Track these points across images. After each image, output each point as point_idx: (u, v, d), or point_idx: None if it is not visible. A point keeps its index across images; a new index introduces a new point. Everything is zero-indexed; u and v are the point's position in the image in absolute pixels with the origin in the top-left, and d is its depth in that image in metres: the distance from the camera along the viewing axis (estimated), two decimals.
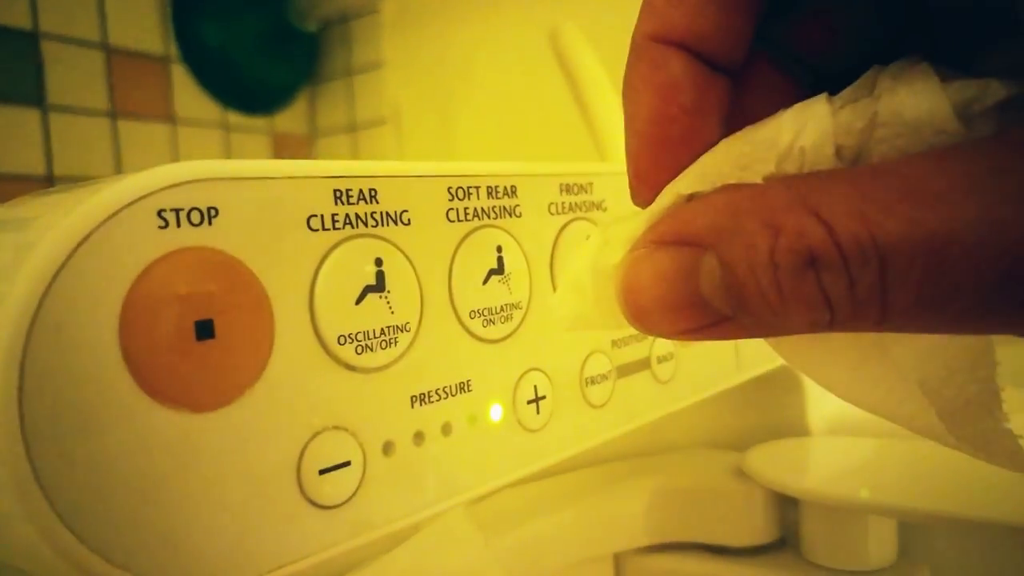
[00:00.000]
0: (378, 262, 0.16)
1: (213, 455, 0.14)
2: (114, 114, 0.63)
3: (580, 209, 0.21)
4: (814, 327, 0.11)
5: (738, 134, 0.13)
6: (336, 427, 0.15)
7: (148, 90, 0.66)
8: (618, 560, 0.28)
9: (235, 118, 0.72)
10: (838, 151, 0.12)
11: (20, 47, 0.59)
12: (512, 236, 0.19)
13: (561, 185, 0.20)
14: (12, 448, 0.12)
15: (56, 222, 0.13)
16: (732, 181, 0.12)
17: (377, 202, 0.16)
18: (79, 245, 0.12)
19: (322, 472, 0.15)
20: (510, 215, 0.19)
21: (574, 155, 0.41)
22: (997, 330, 0.10)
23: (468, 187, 0.18)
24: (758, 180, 0.12)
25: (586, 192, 0.21)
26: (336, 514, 0.15)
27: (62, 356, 0.12)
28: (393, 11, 0.72)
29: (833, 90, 0.13)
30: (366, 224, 0.16)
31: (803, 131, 0.12)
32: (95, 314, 0.12)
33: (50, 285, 0.12)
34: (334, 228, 0.16)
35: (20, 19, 0.59)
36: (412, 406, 0.17)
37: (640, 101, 0.14)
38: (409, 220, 0.17)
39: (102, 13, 0.64)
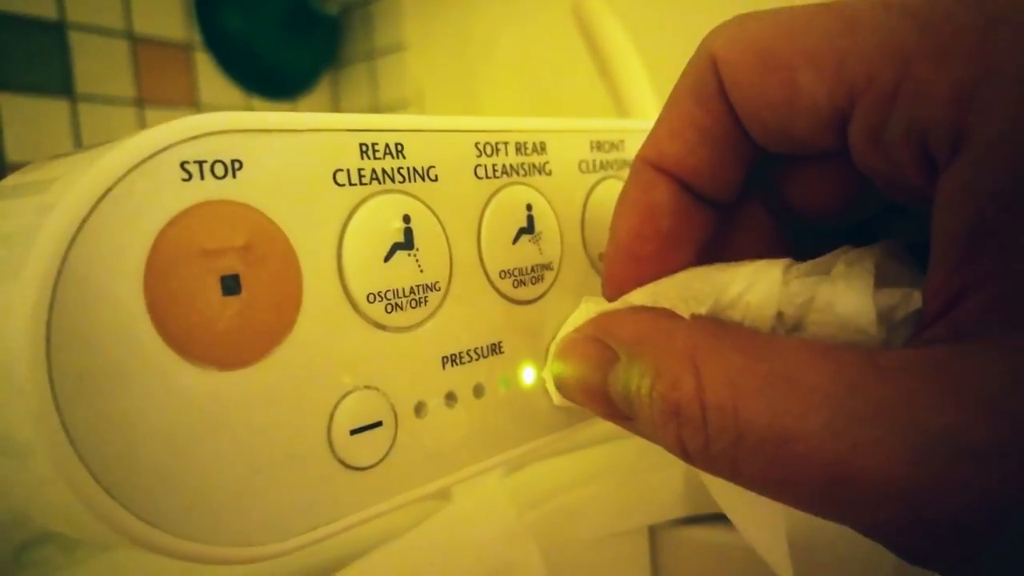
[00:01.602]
0: (406, 219, 0.16)
1: (242, 413, 0.13)
2: (141, 102, 0.63)
3: (611, 167, 0.20)
4: (681, 459, 0.12)
5: (702, 268, 0.14)
6: (367, 387, 0.15)
7: (173, 77, 0.66)
8: (653, 532, 0.27)
9: (259, 103, 0.72)
10: (779, 316, 0.13)
11: (48, 38, 0.60)
12: (542, 194, 0.18)
13: (592, 142, 0.20)
14: (42, 404, 0.12)
15: (78, 177, 0.12)
16: (671, 307, 0.14)
17: (404, 157, 0.16)
18: (102, 198, 0.12)
19: (353, 432, 0.15)
20: (539, 172, 0.18)
21: None
22: (835, 520, 0.11)
23: (496, 143, 0.18)
24: (686, 316, 0.14)
25: (617, 150, 0.20)
26: (368, 476, 0.15)
27: (88, 311, 0.12)
28: None
29: (820, 247, 0.14)
30: (393, 180, 0.16)
31: (753, 288, 0.13)
32: (120, 268, 0.12)
33: (74, 238, 0.12)
34: (360, 183, 0.15)
35: (47, 10, 0.60)
36: (443, 367, 0.16)
37: (624, 216, 0.15)
38: (436, 176, 0.16)
39: (126, 2, 0.64)
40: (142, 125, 0.62)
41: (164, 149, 0.13)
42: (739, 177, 0.15)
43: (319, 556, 0.25)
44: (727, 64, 0.13)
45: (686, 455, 0.12)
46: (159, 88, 0.64)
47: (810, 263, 0.13)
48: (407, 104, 0.71)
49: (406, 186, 0.16)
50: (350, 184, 0.15)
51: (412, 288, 0.16)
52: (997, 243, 0.10)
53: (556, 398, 0.16)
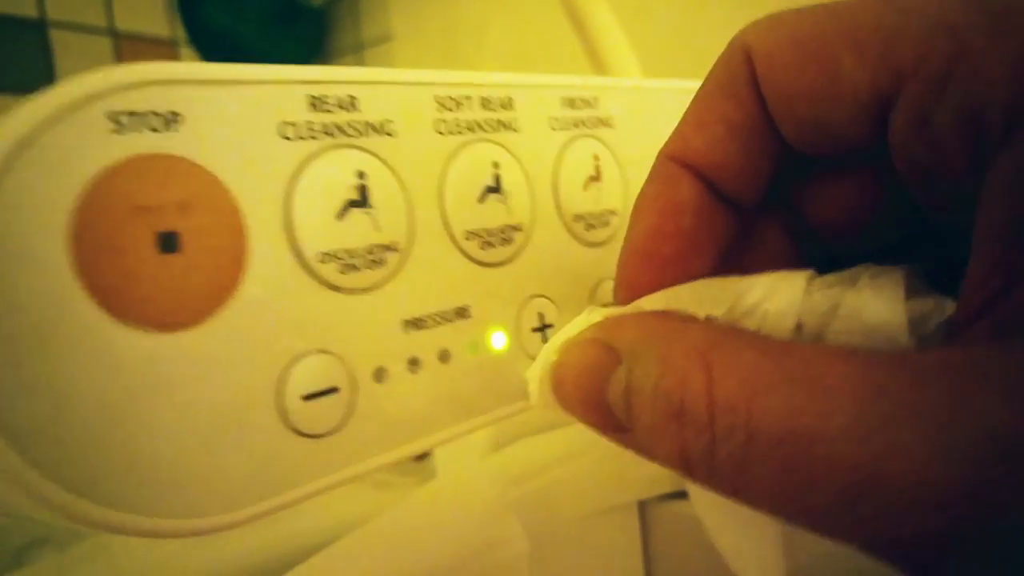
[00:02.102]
0: (360, 175, 0.15)
1: (183, 377, 0.13)
2: None
3: (585, 125, 0.19)
4: (680, 472, 0.11)
5: (719, 278, 0.13)
6: (321, 351, 0.14)
7: None
8: (643, 507, 0.26)
9: None
10: (799, 326, 0.12)
11: (28, 37, 0.59)
12: (510, 152, 0.18)
13: (563, 98, 0.19)
14: None
15: None
16: (685, 311, 0.13)
17: (357, 110, 0.15)
18: (19, 149, 0.11)
19: (306, 398, 0.14)
20: (507, 129, 0.18)
21: None
22: (847, 540, 0.10)
23: (459, 97, 0.17)
24: (700, 317, 0.13)
25: (591, 107, 0.19)
26: (324, 443, 0.14)
27: (8, 271, 0.11)
28: None
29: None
30: (346, 134, 0.15)
31: (773, 296, 0.12)
32: (41, 224, 0.11)
33: None
34: (310, 137, 0.14)
35: (27, 8, 0.59)
36: (405, 331, 0.15)
37: (644, 213, 0.14)
38: (394, 131, 0.16)
39: None
40: None
41: (89, 99, 0.12)
42: (765, 177, 0.14)
43: (300, 540, 0.24)
44: (762, 55, 0.13)
45: (686, 463, 0.11)
46: None
47: (834, 275, 0.13)
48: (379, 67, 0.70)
49: (360, 140, 0.15)
50: (299, 138, 0.14)
51: (369, 248, 0.15)
52: None
53: (534, 399, 0.14)
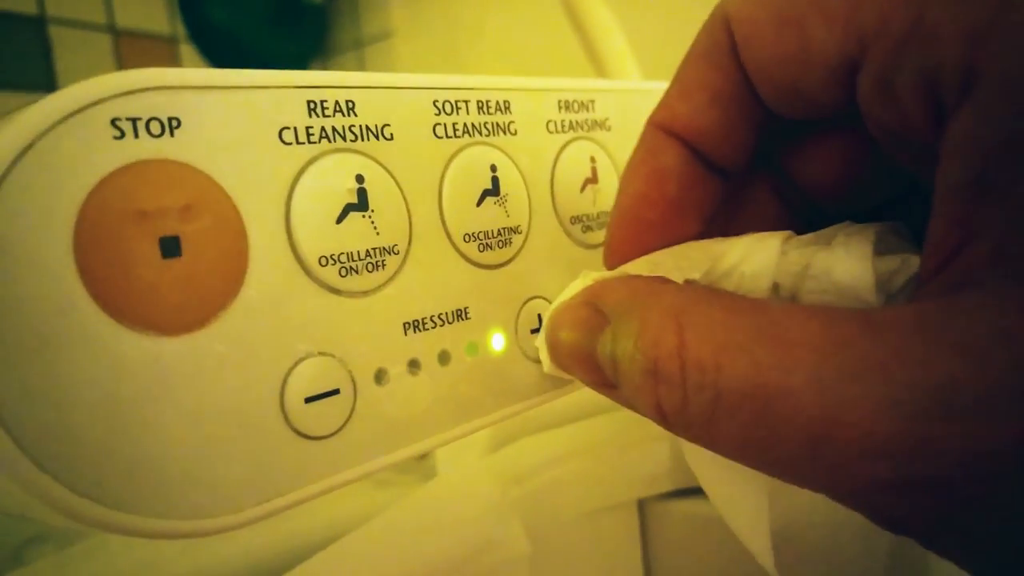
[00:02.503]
0: (359, 179, 0.15)
1: (186, 381, 0.13)
2: None
3: (582, 128, 0.19)
4: (660, 425, 0.12)
5: (700, 241, 0.14)
6: (322, 353, 0.14)
7: None
8: (642, 506, 0.27)
9: None
10: (775, 287, 0.13)
11: (28, 34, 0.59)
12: (507, 155, 0.18)
13: (560, 101, 0.19)
14: None
15: None
16: (666, 275, 0.13)
17: (355, 115, 0.15)
18: (21, 155, 0.11)
19: (308, 400, 0.14)
20: (504, 132, 0.18)
21: None
22: (813, 488, 0.11)
23: (456, 101, 0.17)
24: (679, 280, 0.13)
25: (587, 110, 0.20)
26: (326, 445, 0.14)
27: (12, 275, 0.11)
28: None
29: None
30: (344, 138, 0.15)
31: (749, 258, 0.13)
32: (46, 229, 0.12)
33: None
34: (309, 142, 0.14)
35: (26, 5, 0.59)
36: (405, 333, 0.16)
37: (631, 180, 0.15)
38: (392, 135, 0.16)
39: None
40: None
41: (91, 105, 0.12)
42: (749, 143, 0.14)
43: (299, 539, 0.25)
44: (740, 22, 0.13)
45: (663, 418, 0.12)
46: None
47: (810, 235, 0.13)
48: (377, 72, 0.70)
49: (358, 145, 0.15)
50: (297, 143, 0.14)
51: (368, 251, 0.15)
52: (1000, 192, 0.10)
53: (546, 365, 0.15)
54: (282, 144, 0.14)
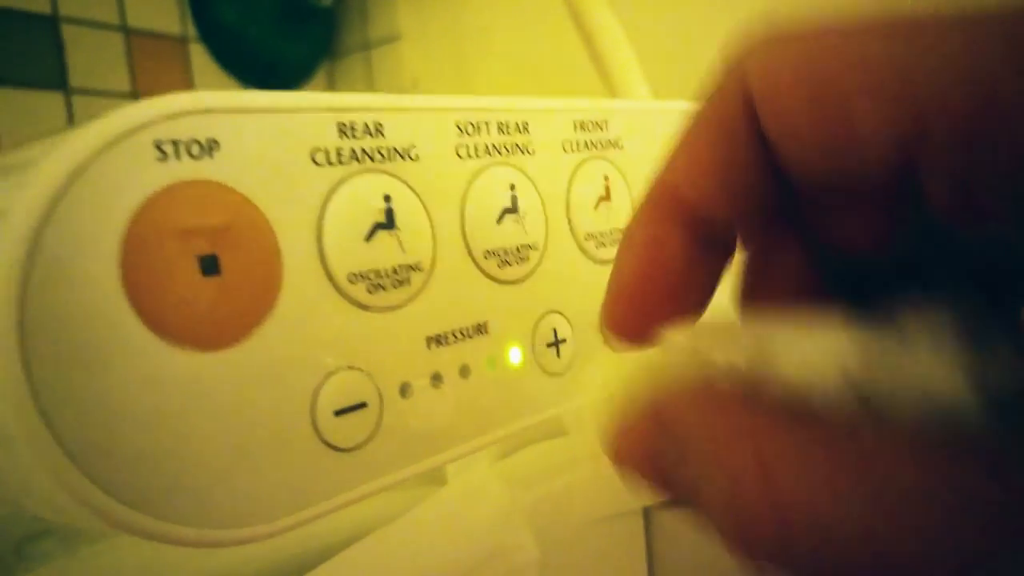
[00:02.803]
0: (387, 198, 0.16)
1: (223, 394, 0.13)
2: (136, 95, 0.63)
3: (596, 147, 0.20)
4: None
5: (740, 320, 0.12)
6: (351, 367, 0.15)
7: (168, 70, 0.66)
8: (647, 514, 0.27)
9: None
10: (842, 390, 0.11)
11: (41, 32, 0.60)
12: (525, 174, 0.18)
13: (575, 122, 0.20)
14: (18, 389, 0.11)
15: (48, 157, 0.12)
16: (707, 356, 0.12)
17: (383, 136, 0.16)
18: (74, 178, 0.12)
19: (338, 413, 0.15)
20: (522, 152, 0.18)
21: None
22: None
23: (477, 122, 0.17)
24: (721, 362, 0.11)
25: (601, 129, 0.20)
26: (353, 456, 0.15)
27: (62, 291, 0.12)
28: None
29: (859, 282, 0.12)
30: (372, 159, 0.16)
31: (803, 350, 0.11)
32: (95, 248, 0.12)
33: (47, 216, 0.12)
34: (340, 163, 0.15)
35: (40, 4, 0.60)
36: (428, 347, 0.16)
37: (631, 255, 0.13)
38: (417, 156, 0.16)
39: None
40: None
41: (138, 128, 0.13)
42: (769, 215, 0.13)
43: (311, 544, 0.25)
44: (763, 89, 0.11)
45: (742, 547, 0.10)
46: (154, 81, 0.64)
47: (875, 329, 0.11)
48: (403, 93, 0.70)
49: (386, 165, 0.16)
50: (329, 164, 0.15)
51: (395, 268, 0.16)
52: None
53: (588, 450, 0.14)
54: (314, 165, 0.15)
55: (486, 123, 0.18)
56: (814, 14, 0.11)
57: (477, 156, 0.17)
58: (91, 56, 0.61)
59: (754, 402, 0.11)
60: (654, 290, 0.13)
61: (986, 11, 0.09)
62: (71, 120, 0.58)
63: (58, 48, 0.59)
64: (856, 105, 0.10)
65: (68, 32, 0.60)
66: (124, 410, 0.12)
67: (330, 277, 0.15)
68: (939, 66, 0.09)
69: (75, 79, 0.59)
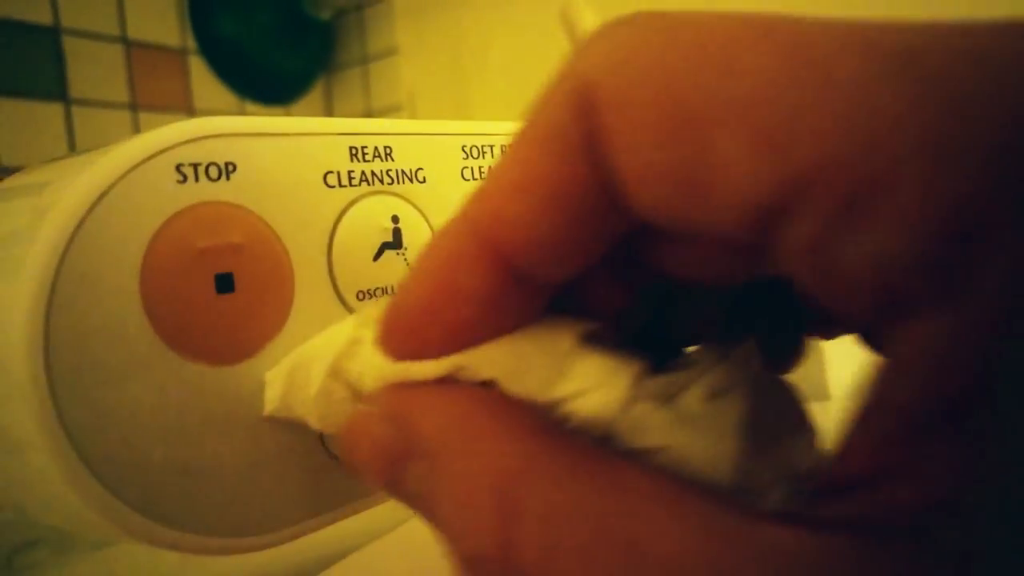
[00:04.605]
0: (395, 219, 0.16)
1: (236, 408, 0.14)
2: (135, 106, 0.64)
3: None
4: None
5: (531, 335, 0.11)
6: None
7: (167, 82, 0.66)
8: None
9: (253, 108, 0.72)
10: (613, 433, 0.10)
11: (42, 43, 0.60)
12: None
13: None
14: (41, 401, 0.12)
15: (75, 179, 0.13)
16: (474, 374, 0.11)
17: (392, 160, 0.16)
18: (99, 199, 0.13)
19: None
20: None
21: None
22: None
23: (482, 146, 0.18)
24: (487, 376, 0.10)
25: None
26: None
27: (86, 309, 0.12)
28: None
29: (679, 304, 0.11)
30: (382, 181, 0.16)
31: (588, 395, 0.10)
32: (117, 266, 0.13)
33: (72, 238, 0.12)
34: (350, 185, 0.16)
35: (42, 15, 0.60)
36: None
37: (422, 282, 0.11)
38: (424, 178, 0.17)
39: (120, 8, 0.64)
40: (136, 130, 0.62)
41: (160, 152, 0.13)
42: (597, 253, 0.10)
43: (312, 552, 0.25)
44: (612, 104, 0.09)
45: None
46: (153, 93, 0.64)
47: (664, 380, 0.10)
48: (400, 108, 0.71)
49: (395, 187, 0.16)
50: (340, 186, 0.15)
51: None
52: (971, 434, 0.07)
53: (270, 406, 0.14)
54: (326, 187, 0.15)
55: (491, 147, 0.18)
56: (688, 10, 0.09)
57: (482, 178, 0.18)
58: (91, 67, 0.62)
59: (502, 409, 0.10)
60: (442, 328, 0.11)
61: (896, 50, 0.07)
62: (71, 131, 0.59)
63: (59, 59, 0.60)
64: (717, 143, 0.08)
65: (69, 43, 0.60)
66: (140, 420, 0.13)
67: (339, 295, 0.15)
68: (832, 117, 0.07)
69: (75, 90, 0.59)
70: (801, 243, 0.08)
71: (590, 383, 0.10)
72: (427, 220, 0.17)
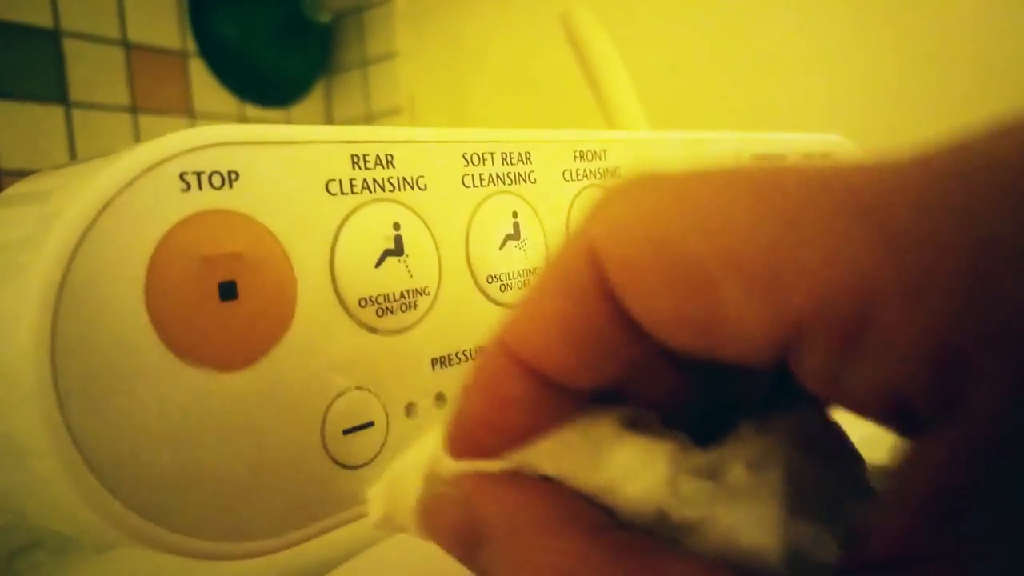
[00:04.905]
0: (396, 226, 0.16)
1: (240, 414, 0.14)
2: (135, 109, 0.64)
3: (594, 176, 0.21)
4: None
5: (576, 434, 0.12)
6: (359, 388, 0.16)
7: (167, 85, 0.66)
8: None
9: (253, 111, 0.72)
10: (663, 514, 0.11)
11: (43, 46, 0.60)
12: (527, 202, 0.19)
13: (575, 152, 0.20)
14: (47, 408, 0.12)
15: (81, 187, 0.13)
16: (535, 465, 0.12)
17: (394, 167, 0.17)
18: (104, 207, 0.13)
19: (346, 432, 0.15)
20: (525, 181, 0.19)
21: None
22: None
23: (483, 153, 0.18)
24: (551, 472, 0.12)
25: (600, 159, 0.21)
26: (360, 474, 0.15)
27: (92, 317, 0.12)
28: (406, 0, 0.73)
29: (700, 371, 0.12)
30: (383, 189, 0.16)
31: (632, 478, 0.11)
32: (122, 274, 0.13)
33: (78, 246, 0.12)
34: (352, 192, 0.16)
35: (42, 18, 0.60)
36: (433, 368, 0.17)
37: (475, 399, 0.12)
38: (425, 185, 0.17)
39: (121, 10, 0.64)
40: (136, 133, 0.62)
41: (164, 161, 0.13)
42: (627, 366, 0.11)
43: (318, 555, 0.26)
44: (617, 265, 0.10)
45: None
46: (153, 96, 0.65)
47: (706, 456, 0.11)
48: (399, 112, 0.71)
49: (396, 195, 0.16)
50: (342, 193, 0.16)
51: (403, 293, 0.16)
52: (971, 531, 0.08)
53: (374, 519, 0.14)
54: (328, 195, 0.15)
55: (491, 154, 0.18)
56: (675, 169, 0.10)
57: (482, 185, 0.18)
58: (91, 70, 0.62)
59: (560, 504, 0.11)
60: (496, 435, 0.12)
61: (858, 199, 0.09)
62: (71, 133, 0.59)
63: (59, 62, 0.60)
64: (723, 290, 0.09)
65: (69, 46, 0.60)
66: (144, 426, 0.13)
67: (341, 301, 0.15)
68: (815, 265, 0.08)
69: (75, 92, 0.59)
70: (813, 371, 0.09)
71: (632, 466, 0.11)
72: (428, 226, 0.17)
